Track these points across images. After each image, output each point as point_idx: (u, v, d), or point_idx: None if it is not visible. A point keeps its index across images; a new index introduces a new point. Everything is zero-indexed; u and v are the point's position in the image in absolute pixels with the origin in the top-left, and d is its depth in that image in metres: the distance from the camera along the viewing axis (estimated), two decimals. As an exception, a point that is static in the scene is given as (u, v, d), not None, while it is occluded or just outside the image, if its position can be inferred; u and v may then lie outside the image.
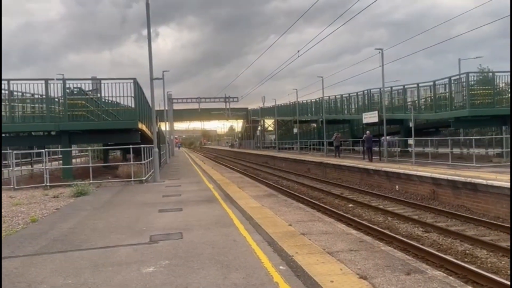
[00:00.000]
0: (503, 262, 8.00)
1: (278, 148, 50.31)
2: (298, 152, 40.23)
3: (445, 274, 5.04)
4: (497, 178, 12.67)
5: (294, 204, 10.62)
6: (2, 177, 15.97)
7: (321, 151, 36.58)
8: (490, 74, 22.62)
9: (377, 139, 25.53)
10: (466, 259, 8.21)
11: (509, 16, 15.44)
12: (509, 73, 21.14)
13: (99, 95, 17.38)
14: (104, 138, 19.87)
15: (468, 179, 13.10)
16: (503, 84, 21.71)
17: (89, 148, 23.14)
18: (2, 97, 16.37)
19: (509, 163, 17.53)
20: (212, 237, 6.85)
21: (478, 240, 9.32)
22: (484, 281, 6.74)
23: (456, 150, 24.33)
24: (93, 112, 16.98)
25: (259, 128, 67.70)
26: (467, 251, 8.73)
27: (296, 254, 5.65)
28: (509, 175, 13.39)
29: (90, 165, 17.17)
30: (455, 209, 12.97)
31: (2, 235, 7.52)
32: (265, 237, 6.74)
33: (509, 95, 22.30)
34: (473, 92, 20.30)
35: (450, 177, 14.01)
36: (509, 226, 10.43)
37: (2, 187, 13.76)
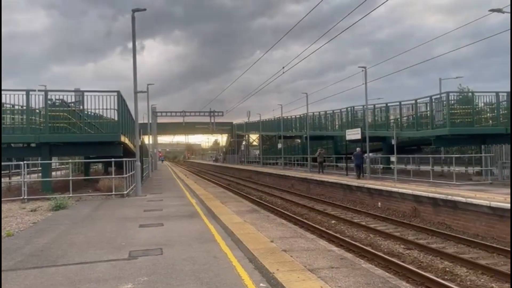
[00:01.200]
0: (482, 280, 8.08)
1: (262, 163, 50.31)
2: (282, 167, 40.29)
3: (425, 292, 5.06)
4: (476, 196, 12.88)
5: (277, 220, 10.58)
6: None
7: (305, 166, 36.71)
8: (470, 94, 23.20)
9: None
10: (446, 277, 8.26)
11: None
12: (490, 93, 21.71)
13: (81, 107, 17.18)
14: (86, 150, 19.57)
15: (449, 197, 13.28)
16: (482, 104, 22.27)
17: (70, 160, 22.72)
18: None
19: (489, 182, 17.89)
20: (193, 253, 6.76)
21: (458, 258, 9.40)
22: (464, 299, 6.78)
23: (437, 168, 24.71)
24: (75, 124, 16.76)
25: (243, 142, 67.73)
26: (447, 269, 8.80)
27: (277, 271, 5.60)
28: (488, 194, 13.64)
29: (70, 178, 16.87)
30: (435, 226, 13.10)
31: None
32: (246, 254, 6.67)
33: (488, 114, 22.89)
34: (453, 111, 20.74)
35: (431, 195, 14.19)
36: (488, 244, 10.58)
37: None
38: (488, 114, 22.78)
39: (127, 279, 5.41)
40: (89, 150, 19.35)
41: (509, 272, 8.24)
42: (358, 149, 23.66)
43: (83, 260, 6.46)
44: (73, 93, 18.09)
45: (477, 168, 21.14)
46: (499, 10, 15.07)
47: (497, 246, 10.30)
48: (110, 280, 5.40)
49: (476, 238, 11.35)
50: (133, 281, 5.34)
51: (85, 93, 17.10)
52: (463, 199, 12.64)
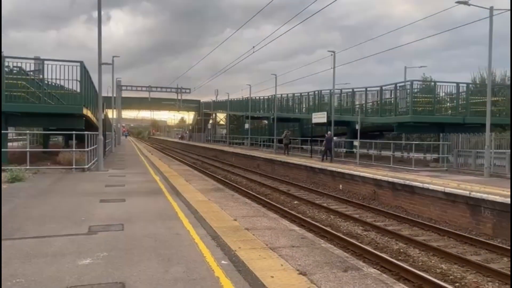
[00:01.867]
0: (433, 261, 8.51)
1: (229, 142, 50.24)
2: (248, 147, 40.42)
3: (379, 272, 5.27)
4: (432, 182, 13.45)
5: (241, 199, 10.65)
6: None
7: (271, 147, 36.97)
8: (432, 83, 23.94)
9: (324, 139, 26.23)
10: (400, 257, 8.65)
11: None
12: (451, 84, 22.51)
13: (41, 76, 16.41)
14: (46, 122, 18.83)
15: (407, 182, 13.80)
16: (443, 94, 23.07)
17: (28, 131, 21.79)
18: None
19: (445, 169, 18.70)
20: (155, 230, 6.71)
21: (412, 240, 9.85)
22: (415, 279, 7.14)
23: (398, 154, 25.54)
24: (34, 94, 16.01)
25: (210, 121, 67.24)
26: (401, 250, 9.20)
27: (239, 249, 5.66)
28: (443, 180, 14.27)
29: (28, 149, 16.20)
30: (393, 209, 13.62)
31: None
32: (209, 231, 6.70)
33: (448, 104, 23.76)
34: (416, 100, 21.38)
35: (390, 179, 14.69)
36: (440, 227, 11.13)
37: None
38: (448, 104, 23.67)
39: (85, 254, 5.32)
40: (49, 122, 18.61)
41: (458, 254, 8.73)
42: (329, 132, 23.56)
43: (40, 234, 6.28)
44: (32, 61, 17.23)
45: (435, 155, 22.01)
46: (464, 2, 15.46)
47: (448, 229, 10.85)
48: (68, 255, 5.29)
49: (430, 221, 11.90)
50: (92, 256, 5.26)
51: (46, 62, 16.30)
52: (420, 184, 13.16)
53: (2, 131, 16.26)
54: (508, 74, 36.92)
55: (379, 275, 4.91)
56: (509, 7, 15.24)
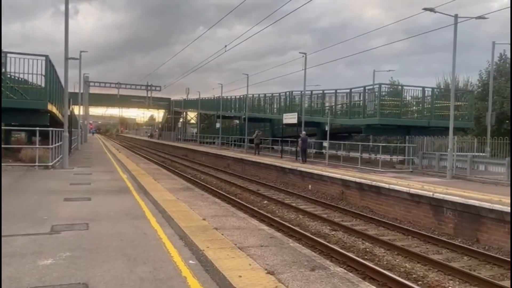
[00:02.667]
0: (397, 260, 8.73)
1: (199, 141, 49.88)
2: (219, 147, 40.24)
3: (346, 271, 5.36)
4: (398, 183, 13.81)
5: (210, 198, 10.58)
6: None
7: (242, 147, 36.97)
8: (399, 87, 24.59)
9: (295, 139, 26.46)
10: (366, 257, 8.83)
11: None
12: (417, 88, 23.16)
13: (4, 69, 15.73)
14: (8, 117, 17.95)
15: (373, 183, 14.11)
16: (410, 98, 23.74)
17: (-12, 127, 20.85)
18: None
19: (410, 170, 19.24)
20: (121, 229, 6.57)
21: (378, 239, 10.07)
22: (380, 277, 7.30)
23: (365, 155, 26.08)
24: (-5, 88, 15.32)
25: (181, 120, 66.54)
26: (367, 249, 9.40)
27: (207, 249, 5.62)
28: (408, 181, 14.68)
29: (-12, 146, 15.51)
30: (360, 209, 13.89)
31: None
32: (177, 231, 6.61)
33: (414, 108, 24.46)
34: (383, 103, 21.89)
35: (357, 180, 14.97)
36: (404, 227, 11.44)
37: None
38: (414, 108, 24.37)
39: (47, 254, 5.14)
40: (12, 117, 17.80)
41: (421, 253, 9.00)
42: (303, 132, 23.31)
43: (-1, 234, 6.01)
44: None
45: (401, 157, 22.62)
46: (431, 10, 15.95)
47: (413, 229, 11.17)
48: (28, 255, 5.10)
49: (395, 221, 12.21)
50: (54, 256, 5.09)
51: (9, 55, 15.64)
52: (386, 185, 13.49)
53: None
54: (471, 80, 38.48)
55: (345, 274, 4.99)
56: (472, 16, 15.86)
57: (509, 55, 29.19)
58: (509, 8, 15.74)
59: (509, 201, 9.95)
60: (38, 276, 4.39)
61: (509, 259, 8.39)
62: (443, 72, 59.72)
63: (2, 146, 20.92)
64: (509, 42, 16.49)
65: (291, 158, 25.80)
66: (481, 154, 18.60)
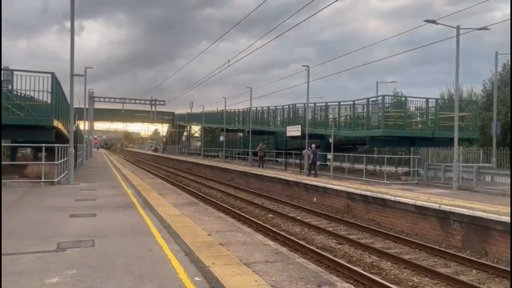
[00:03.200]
0: (405, 273, 8.64)
1: (203, 155, 49.94)
2: (223, 160, 40.26)
3: (353, 286, 5.32)
4: (403, 195, 13.73)
5: (215, 213, 10.56)
6: None
7: (245, 160, 36.97)
8: (403, 98, 24.61)
9: (299, 152, 26.45)
10: (373, 271, 8.74)
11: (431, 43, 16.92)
12: (420, 99, 23.21)
13: (10, 87, 15.92)
14: (14, 134, 18.15)
15: (379, 195, 14.03)
16: (413, 109, 23.75)
17: (-6, 144, 21.01)
18: None
19: (415, 182, 19.14)
20: (126, 246, 6.56)
21: (384, 253, 9.99)
22: (387, 292, 7.22)
23: (370, 167, 26.00)
24: (2, 105, 15.48)
25: (185, 133, 66.75)
26: (374, 263, 9.31)
27: (213, 265, 5.60)
28: (414, 193, 14.60)
29: (-6, 162, 15.61)
30: (366, 222, 13.79)
31: None
32: (182, 247, 6.60)
33: (418, 118, 24.45)
34: (387, 114, 21.90)
35: (363, 192, 14.90)
36: (411, 240, 11.34)
37: None
38: (418, 119, 24.36)
39: (53, 272, 5.14)
40: (18, 134, 17.99)
41: (428, 267, 8.90)
42: (313, 146, 22.69)
43: (5, 252, 6.02)
44: (1, 72, 16.69)
45: (406, 169, 22.51)
46: (433, 21, 16.06)
47: (420, 242, 11.07)
48: (35, 273, 5.10)
49: (401, 234, 12.11)
50: (60, 274, 5.08)
51: (15, 73, 15.85)
52: (391, 198, 13.41)
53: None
54: (475, 90, 38.47)
55: (352, 289, 4.95)
56: (473, 27, 15.93)
57: (512, 65, 29.21)
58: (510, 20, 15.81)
59: (516, 212, 9.87)
60: (44, 295, 4.38)
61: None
62: (447, 83, 59.90)
63: (9, 162, 21.08)
64: (510, 53, 16.50)
65: (295, 171, 25.77)
66: (487, 164, 18.51)
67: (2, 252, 6.01)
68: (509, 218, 9.58)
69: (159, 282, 4.89)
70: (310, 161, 22.52)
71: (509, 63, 30.08)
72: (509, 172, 15.95)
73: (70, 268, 5.34)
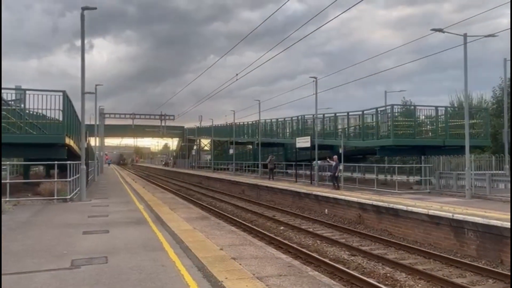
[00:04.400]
0: (419, 284, 8.53)
1: (213, 168, 50.06)
2: (233, 173, 40.31)
3: (367, 299, 5.27)
4: (415, 205, 13.61)
5: (226, 227, 10.57)
6: None
7: (255, 172, 36.98)
8: (412, 107, 24.53)
9: (309, 163, 26.40)
10: (387, 282, 8.64)
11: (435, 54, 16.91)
12: (430, 107, 23.08)
13: (22, 105, 16.23)
14: (27, 152, 18.44)
15: (391, 205, 13.92)
16: (423, 117, 23.63)
17: (8, 162, 21.36)
18: None
19: (427, 191, 18.95)
20: (139, 262, 6.60)
21: (398, 264, 9.87)
22: (402, 304, 7.12)
23: (381, 177, 25.82)
24: (15, 124, 15.79)
25: (194, 147, 67.09)
26: (388, 274, 9.21)
27: (226, 280, 5.60)
28: (426, 202, 14.46)
29: (8, 181, 15.85)
30: (378, 233, 13.67)
31: None
32: (195, 262, 6.62)
33: (428, 127, 24.31)
34: (396, 123, 21.82)
35: (374, 203, 14.80)
36: (425, 250, 11.20)
37: None
38: (428, 127, 24.22)
39: (68, 290, 5.18)
40: (30, 152, 18.26)
41: (444, 277, 8.78)
42: (335, 156, 21.62)
43: (21, 270, 6.10)
44: (13, 92, 17.07)
45: (417, 178, 22.31)
46: (440, 30, 16.07)
47: (434, 252, 10.93)
48: (50, 291, 5.15)
49: (415, 244, 11.97)
50: (75, 292, 5.13)
51: (28, 92, 16.17)
52: (404, 207, 13.30)
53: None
54: (485, 96, 38.16)
55: (366, 302, 4.91)
56: (480, 35, 15.91)
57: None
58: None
59: (532, 220, 9.72)
60: (60, 313, 4.42)
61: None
62: (456, 90, 59.53)
63: (22, 180, 21.36)
64: (509, 48, 16.37)
65: (305, 182, 25.69)
66: (500, 172, 18.28)
67: (18, 271, 6.09)
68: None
69: (173, 298, 4.90)
70: (333, 173, 21.45)
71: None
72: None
73: (85, 285, 5.39)
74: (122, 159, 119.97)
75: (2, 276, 5.79)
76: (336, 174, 21.28)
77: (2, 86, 15.75)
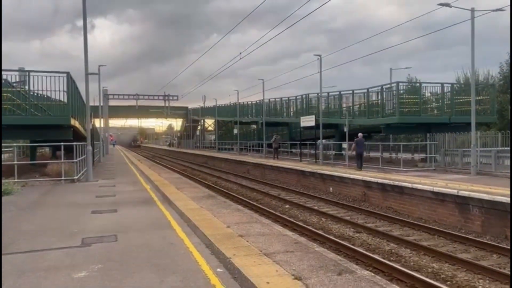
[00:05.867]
0: (424, 260, 8.64)
1: (217, 148, 50.21)
2: (237, 153, 40.44)
3: (372, 274, 5.36)
4: (420, 182, 13.65)
5: (233, 205, 10.67)
6: None
7: (260, 152, 37.06)
8: (418, 84, 24.31)
9: (314, 142, 26.39)
10: (392, 258, 8.76)
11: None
12: (436, 84, 22.87)
13: (26, 87, 16.24)
14: (33, 134, 18.60)
15: (396, 183, 13.97)
16: (429, 94, 23.44)
17: (15, 144, 21.52)
18: None
19: (432, 168, 18.96)
20: (148, 240, 6.72)
21: (403, 240, 9.97)
22: (408, 279, 7.24)
23: (386, 155, 25.82)
24: (20, 106, 15.84)
25: (199, 127, 67.14)
26: (393, 250, 9.32)
27: (234, 256, 5.70)
28: (432, 179, 14.49)
29: (15, 162, 16.01)
30: (383, 210, 13.77)
31: None
32: (203, 240, 6.72)
33: (434, 104, 24.14)
34: (402, 101, 21.67)
35: (379, 180, 14.85)
36: (430, 226, 11.29)
37: None
38: (434, 104, 24.05)
39: (80, 267, 5.31)
40: (37, 134, 18.40)
41: (448, 253, 8.88)
42: (359, 134, 20.08)
43: (33, 248, 6.24)
44: (17, 73, 17.05)
45: (422, 155, 22.30)
46: (447, 5, 15.77)
47: (438, 228, 11.02)
48: (63, 268, 5.28)
49: (419, 221, 12.07)
50: (87, 268, 5.25)
51: (31, 74, 16.16)
52: (409, 185, 13.34)
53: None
54: (491, 72, 37.71)
55: (372, 277, 4.99)
56: (489, 9, 15.59)
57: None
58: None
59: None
60: (73, 289, 4.54)
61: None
62: (462, 66, 58.77)
63: (29, 162, 21.56)
64: (510, 38, 16.11)
65: (310, 161, 25.77)
66: (506, 148, 18.19)
67: (31, 249, 6.22)
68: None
69: (183, 274, 5.01)
70: (353, 152, 20.11)
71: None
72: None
73: (96, 262, 5.50)
74: (135, 140, 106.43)
75: (16, 255, 5.93)
76: (356, 152, 19.67)
77: (5, 68, 15.73)
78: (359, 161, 19.60)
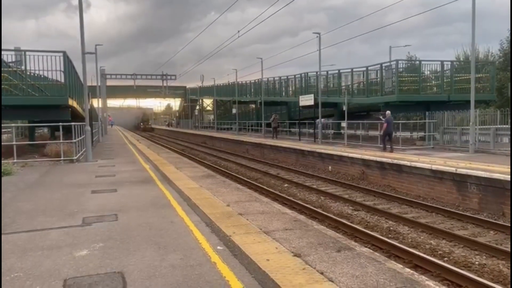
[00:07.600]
0: (422, 237, 8.74)
1: (216, 128, 50.14)
2: (236, 132, 40.40)
3: (371, 250, 5.42)
4: (419, 160, 13.70)
5: (232, 185, 10.72)
6: None
7: (259, 132, 37.04)
8: (417, 62, 24.11)
9: (312, 121, 26.36)
10: (390, 235, 8.86)
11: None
12: (435, 62, 22.68)
13: (23, 67, 16.07)
14: (31, 114, 18.50)
15: (394, 161, 14.02)
16: (428, 72, 23.27)
17: (13, 125, 21.45)
18: None
19: (431, 146, 19.00)
20: (148, 219, 6.76)
21: (401, 218, 10.08)
22: (406, 255, 7.34)
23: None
24: (17, 86, 15.71)
25: (197, 107, 66.89)
26: (391, 228, 9.42)
27: (234, 234, 5.75)
28: (430, 158, 14.54)
29: (14, 143, 15.99)
30: (382, 188, 13.86)
31: None
32: (203, 218, 6.77)
33: (433, 82, 23.99)
34: (401, 79, 21.55)
35: (378, 159, 14.90)
36: (428, 204, 11.39)
37: None
38: (433, 82, 23.91)
39: (81, 246, 5.35)
40: (34, 114, 18.30)
41: (445, 230, 8.98)
42: (388, 112, 18.04)
43: (34, 228, 6.28)
44: (13, 53, 16.83)
45: (421, 134, 22.31)
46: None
47: (436, 206, 11.12)
48: (64, 247, 5.32)
49: (418, 199, 12.17)
50: (88, 247, 5.30)
51: (28, 53, 15.95)
52: (407, 163, 13.39)
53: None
54: (491, 49, 37.39)
55: (371, 253, 5.05)
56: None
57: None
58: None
59: (535, 173, 9.79)
60: (75, 267, 4.59)
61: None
62: (462, 44, 58.18)
63: (28, 142, 21.54)
64: (509, 27, 15.88)
65: (309, 140, 25.79)
66: (504, 126, 18.20)
67: (32, 228, 6.27)
68: (528, 179, 9.52)
69: (183, 252, 5.06)
70: (381, 132, 18.35)
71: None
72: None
73: (97, 241, 5.55)
74: (145, 121, 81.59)
75: (17, 234, 5.97)
76: (384, 132, 17.78)
77: (2, 48, 15.53)
78: (389, 141, 17.73)
